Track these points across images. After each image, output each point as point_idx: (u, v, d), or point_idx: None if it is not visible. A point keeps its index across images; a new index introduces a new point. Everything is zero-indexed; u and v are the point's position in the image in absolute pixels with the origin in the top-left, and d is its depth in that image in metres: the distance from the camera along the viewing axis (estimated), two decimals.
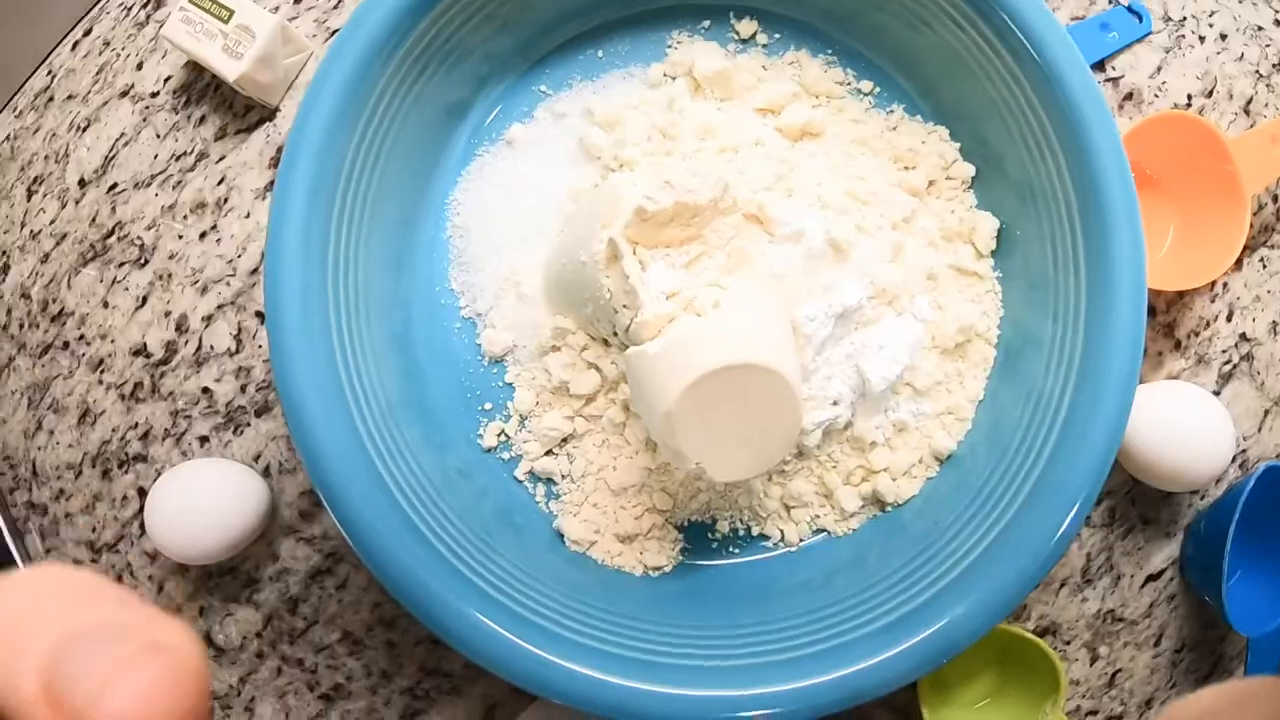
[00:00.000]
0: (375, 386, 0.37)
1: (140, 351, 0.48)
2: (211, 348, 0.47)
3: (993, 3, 0.38)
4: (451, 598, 0.34)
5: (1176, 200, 0.49)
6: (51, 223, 0.50)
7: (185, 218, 0.49)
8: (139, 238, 0.49)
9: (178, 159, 0.49)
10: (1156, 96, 0.51)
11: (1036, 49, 0.38)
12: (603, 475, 0.41)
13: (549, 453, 0.42)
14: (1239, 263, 0.50)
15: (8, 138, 0.52)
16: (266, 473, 0.47)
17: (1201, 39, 0.51)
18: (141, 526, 0.47)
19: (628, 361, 0.36)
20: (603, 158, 0.43)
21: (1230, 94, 0.51)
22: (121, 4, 0.51)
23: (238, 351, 0.47)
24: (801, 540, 0.42)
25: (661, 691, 0.34)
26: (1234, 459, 0.49)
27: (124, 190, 0.49)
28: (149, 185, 0.49)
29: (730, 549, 0.42)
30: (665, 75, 0.45)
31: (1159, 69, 0.51)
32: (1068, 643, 0.48)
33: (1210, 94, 0.51)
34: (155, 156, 0.49)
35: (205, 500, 0.43)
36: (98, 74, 0.51)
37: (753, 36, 0.45)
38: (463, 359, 0.43)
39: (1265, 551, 0.47)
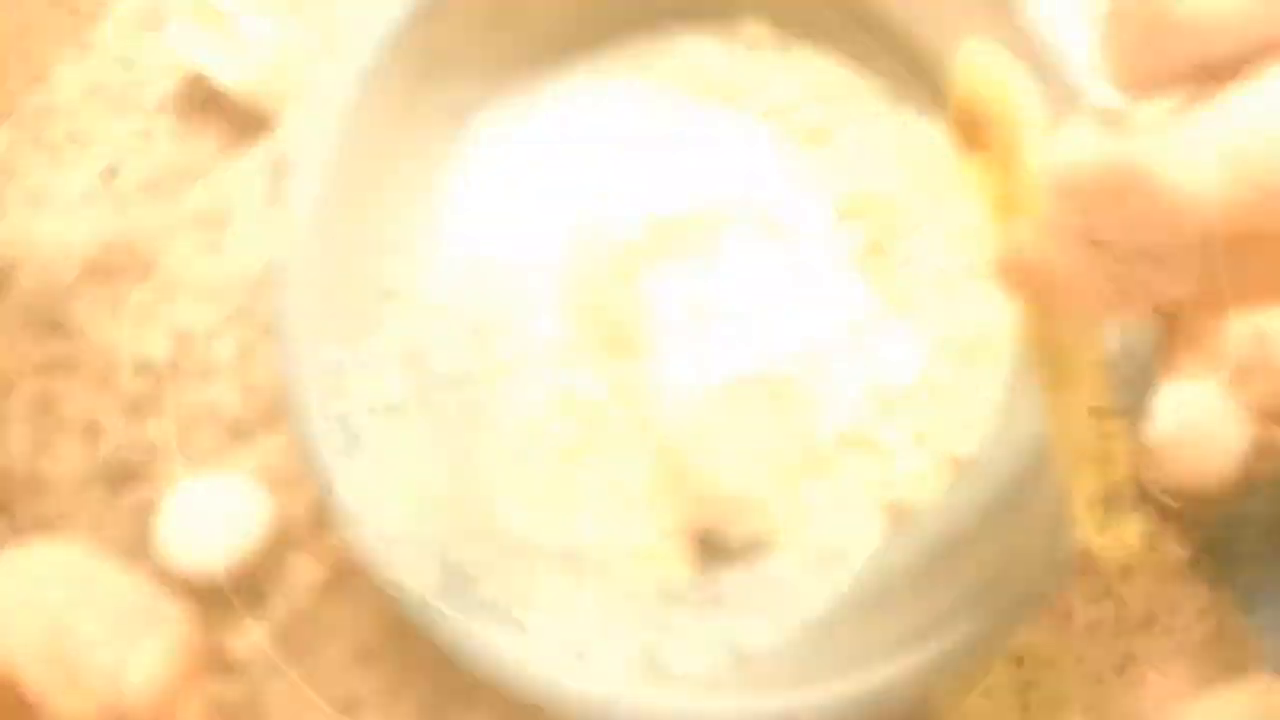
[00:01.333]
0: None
1: (144, 366, 0.48)
2: (217, 361, 0.47)
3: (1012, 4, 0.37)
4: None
5: None
6: (52, 236, 0.49)
7: (188, 230, 0.48)
8: (141, 250, 0.48)
9: (179, 171, 0.49)
10: None
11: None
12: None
13: None
14: None
15: (6, 150, 0.51)
16: (274, 486, 0.46)
17: None
18: (148, 542, 0.47)
19: (634, 374, 0.35)
20: (605, 165, 0.42)
21: None
22: (120, 15, 0.51)
23: (243, 365, 0.47)
24: (814, 551, 0.41)
25: (674, 706, 0.34)
26: None
27: (125, 203, 0.49)
28: (151, 198, 0.49)
29: (740, 561, 0.42)
30: (669, 78, 0.44)
31: None
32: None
33: None
34: (157, 169, 0.49)
35: (212, 515, 0.42)
36: (97, 86, 0.50)
37: (760, 37, 0.45)
38: None
39: None
